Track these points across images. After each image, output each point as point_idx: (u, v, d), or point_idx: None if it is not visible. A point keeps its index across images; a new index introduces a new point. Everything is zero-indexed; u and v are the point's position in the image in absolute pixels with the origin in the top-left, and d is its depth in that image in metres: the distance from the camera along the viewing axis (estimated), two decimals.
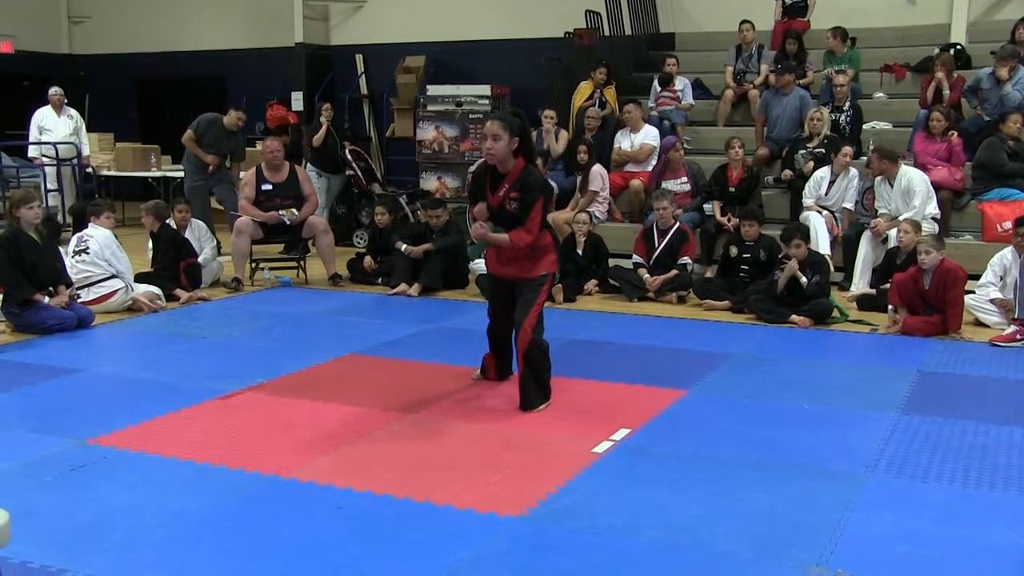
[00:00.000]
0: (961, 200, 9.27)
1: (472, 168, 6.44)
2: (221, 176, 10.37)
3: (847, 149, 9.07)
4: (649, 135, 10.42)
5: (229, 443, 4.67)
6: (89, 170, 13.26)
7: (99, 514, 3.83)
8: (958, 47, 10.80)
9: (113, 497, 4.01)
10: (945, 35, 11.28)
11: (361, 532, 3.67)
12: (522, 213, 5.17)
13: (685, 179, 9.77)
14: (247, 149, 11.23)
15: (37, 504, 3.92)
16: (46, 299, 7.16)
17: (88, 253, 7.74)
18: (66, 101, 12.75)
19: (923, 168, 8.89)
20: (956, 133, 9.34)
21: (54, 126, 12.53)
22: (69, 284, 7.37)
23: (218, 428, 4.93)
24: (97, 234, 7.84)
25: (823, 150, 9.54)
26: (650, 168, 10.31)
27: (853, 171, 9.11)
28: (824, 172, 9.18)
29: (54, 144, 12.33)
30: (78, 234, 8.04)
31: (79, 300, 7.48)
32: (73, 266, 7.66)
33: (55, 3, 17.49)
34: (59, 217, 11.37)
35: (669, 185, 9.62)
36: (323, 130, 11.53)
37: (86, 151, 12.91)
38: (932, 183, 8.66)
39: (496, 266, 5.41)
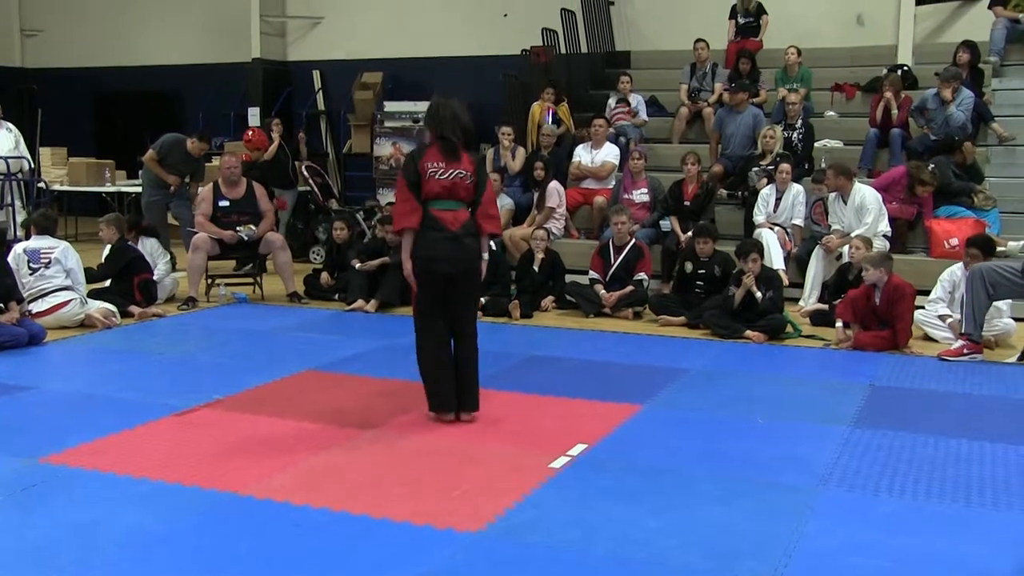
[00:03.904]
0: (914, 222, 9.42)
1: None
2: (179, 192, 10.31)
3: (785, 166, 9.21)
4: (611, 153, 10.50)
5: (185, 460, 4.64)
6: (41, 184, 13.08)
7: (52, 534, 3.78)
8: (905, 68, 11.04)
9: (67, 516, 3.96)
10: (892, 56, 11.54)
11: (319, 549, 3.66)
12: None
13: (646, 190, 9.85)
14: (207, 164, 11.16)
15: None
16: None
17: (50, 267, 7.67)
18: (1, 114, 12.56)
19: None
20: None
21: None
22: (20, 301, 7.27)
23: (174, 445, 4.89)
24: (63, 245, 7.82)
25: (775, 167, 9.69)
26: (610, 186, 10.39)
27: (797, 187, 9.26)
28: (770, 189, 9.33)
29: (4, 159, 12.15)
30: (30, 245, 7.86)
31: (31, 314, 7.39)
32: (32, 279, 7.58)
33: (7, 16, 17.28)
34: (11, 232, 11.19)
35: (631, 195, 9.73)
36: (275, 145, 11.49)
37: (30, 163, 12.72)
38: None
39: None
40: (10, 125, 12.61)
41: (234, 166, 9.18)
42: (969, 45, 10.49)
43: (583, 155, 10.60)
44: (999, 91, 10.80)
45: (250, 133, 11.83)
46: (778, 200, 9.24)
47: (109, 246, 8.58)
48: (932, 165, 9.28)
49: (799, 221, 9.19)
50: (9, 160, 12.16)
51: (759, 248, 7.94)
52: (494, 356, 6.99)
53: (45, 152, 13.92)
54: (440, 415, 5.33)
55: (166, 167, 10.17)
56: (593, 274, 8.76)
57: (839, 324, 7.40)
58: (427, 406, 5.38)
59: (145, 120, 15.94)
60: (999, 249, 8.19)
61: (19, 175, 12.38)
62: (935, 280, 7.72)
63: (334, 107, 15.08)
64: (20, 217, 11.90)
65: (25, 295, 7.46)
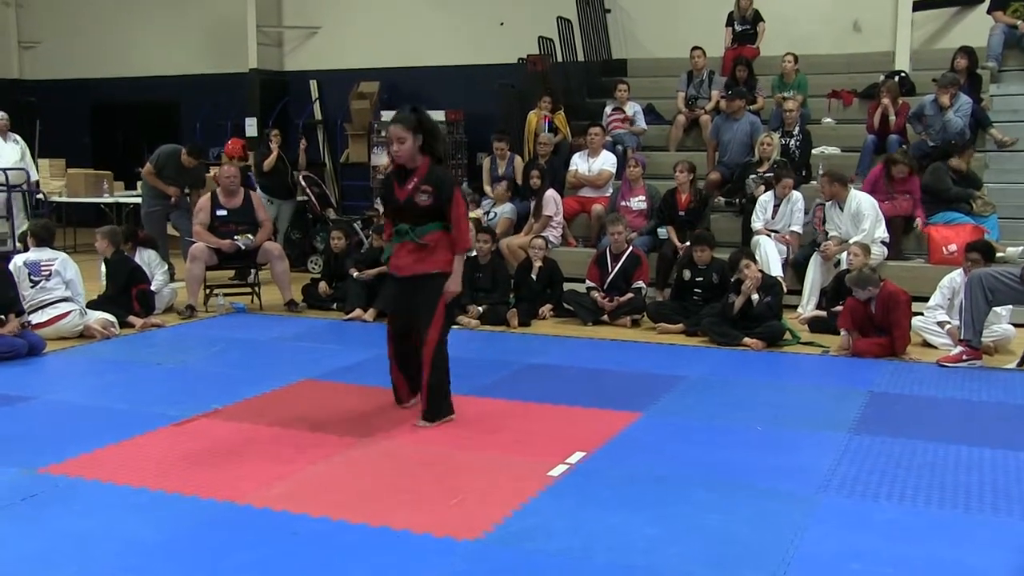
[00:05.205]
0: (910, 223, 9.44)
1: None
2: (178, 203, 10.33)
3: (787, 180, 9.18)
4: (607, 161, 10.51)
5: (184, 470, 4.63)
6: (40, 196, 13.10)
7: (51, 544, 3.78)
8: (902, 74, 11.06)
9: (66, 526, 3.96)
10: (890, 62, 11.56)
11: (318, 558, 3.65)
12: (445, 206, 5.37)
13: (643, 198, 9.83)
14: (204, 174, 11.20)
15: None
16: None
17: (50, 279, 7.66)
18: (9, 127, 12.59)
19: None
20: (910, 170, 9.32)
21: (1, 152, 12.36)
22: (20, 312, 7.26)
23: (172, 455, 4.89)
24: (61, 257, 7.82)
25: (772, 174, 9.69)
26: (608, 194, 10.38)
27: (796, 195, 9.24)
28: (768, 196, 9.33)
29: (4, 170, 12.17)
30: (30, 257, 7.86)
31: (31, 325, 7.38)
32: (33, 291, 7.57)
33: (4, 28, 17.31)
34: (9, 243, 11.21)
35: (628, 203, 9.73)
36: (274, 156, 11.54)
37: (35, 175, 12.76)
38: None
39: (396, 260, 5.52)
40: (17, 137, 12.67)
41: (233, 176, 9.18)
42: (967, 51, 10.50)
43: (580, 163, 10.61)
44: (997, 96, 10.82)
45: (228, 145, 11.87)
46: (776, 207, 9.24)
47: (104, 260, 8.56)
48: (903, 145, 9.30)
49: (797, 228, 9.19)
50: (11, 172, 12.20)
51: (748, 254, 7.96)
52: (492, 364, 7.01)
53: (43, 163, 13.93)
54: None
55: (164, 179, 10.19)
56: (590, 283, 8.76)
57: (843, 333, 7.39)
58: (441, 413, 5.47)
59: (143, 131, 15.97)
60: (998, 255, 8.19)
61: (23, 186, 12.42)
62: (934, 286, 7.72)
63: (331, 117, 15.11)
64: (20, 229, 11.93)
65: (25, 307, 7.46)
